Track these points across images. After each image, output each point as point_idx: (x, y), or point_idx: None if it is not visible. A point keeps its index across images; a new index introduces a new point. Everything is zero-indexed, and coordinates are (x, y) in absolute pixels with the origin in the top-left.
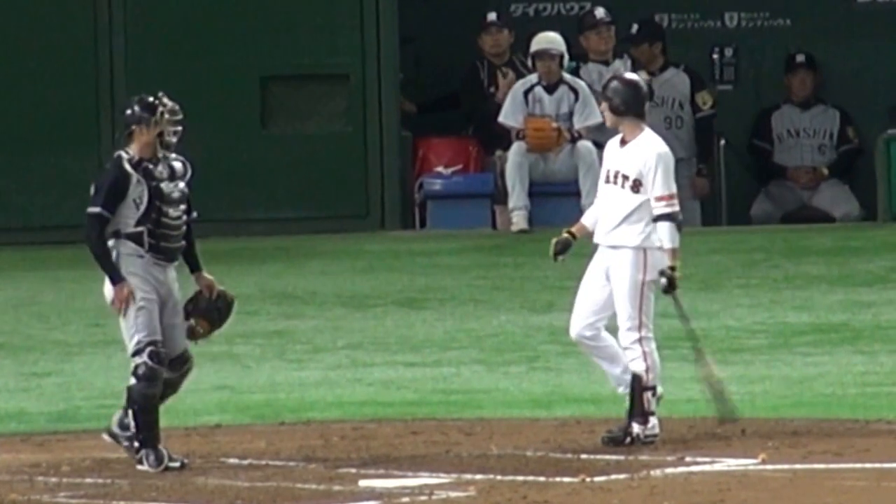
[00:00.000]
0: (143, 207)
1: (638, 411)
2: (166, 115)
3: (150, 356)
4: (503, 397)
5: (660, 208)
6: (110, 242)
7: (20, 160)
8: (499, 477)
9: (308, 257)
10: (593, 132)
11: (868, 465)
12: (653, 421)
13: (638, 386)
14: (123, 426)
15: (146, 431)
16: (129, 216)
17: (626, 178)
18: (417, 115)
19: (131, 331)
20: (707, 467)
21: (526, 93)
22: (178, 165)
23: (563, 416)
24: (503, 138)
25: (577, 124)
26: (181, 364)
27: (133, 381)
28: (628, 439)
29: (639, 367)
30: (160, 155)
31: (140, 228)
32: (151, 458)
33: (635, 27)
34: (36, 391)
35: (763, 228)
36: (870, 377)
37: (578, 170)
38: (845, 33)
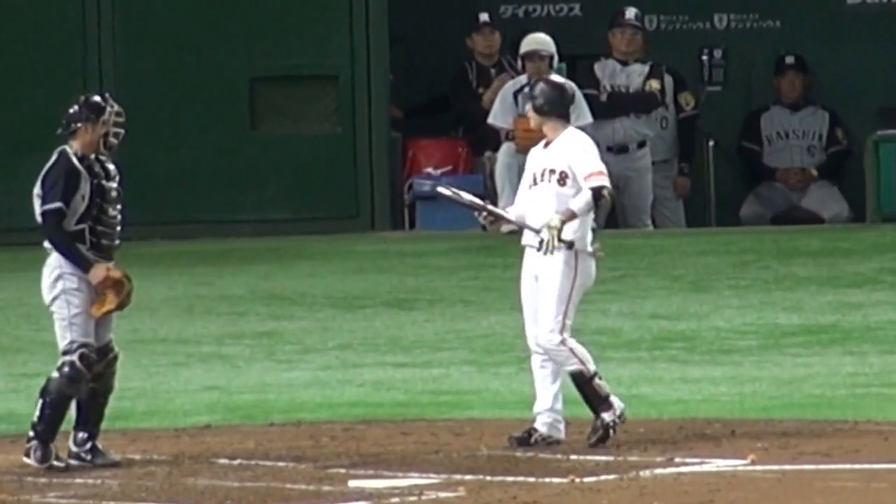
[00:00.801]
0: (85, 204)
1: (598, 400)
2: (113, 116)
3: (80, 357)
4: (493, 398)
5: (590, 182)
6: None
7: (7, 161)
8: (488, 477)
9: (298, 258)
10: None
11: (857, 466)
12: (616, 402)
13: (583, 380)
14: (78, 441)
15: (45, 426)
16: (72, 213)
17: (552, 171)
18: (404, 119)
19: (66, 330)
20: (696, 468)
21: (515, 94)
22: (111, 167)
23: None
24: (493, 139)
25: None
26: (104, 354)
27: (56, 374)
28: (610, 432)
29: (574, 364)
30: (96, 156)
31: (81, 226)
32: (39, 453)
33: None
34: (25, 392)
35: (752, 230)
36: (859, 378)
37: None
38: (835, 35)
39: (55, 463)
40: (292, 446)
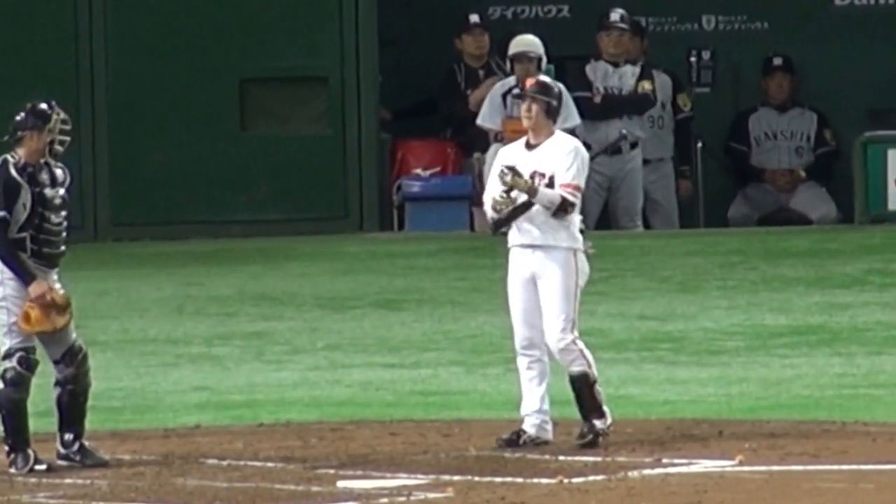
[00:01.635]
0: (26, 213)
1: (594, 406)
2: (59, 124)
3: (19, 361)
4: (481, 398)
5: (565, 191)
6: None
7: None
8: (477, 478)
9: (287, 259)
10: (570, 134)
11: (845, 467)
12: (608, 414)
13: (586, 382)
14: (65, 443)
15: (15, 436)
16: (14, 222)
17: (542, 175)
18: (393, 121)
19: (5, 336)
20: (684, 469)
21: (504, 95)
22: (59, 172)
23: None
24: (481, 140)
25: (556, 126)
26: (73, 357)
27: (1, 385)
28: (600, 438)
29: (581, 365)
30: (43, 161)
31: (23, 234)
32: (20, 460)
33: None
34: None
35: (740, 231)
36: (847, 379)
37: None
38: (823, 36)
39: (37, 467)
40: (281, 447)
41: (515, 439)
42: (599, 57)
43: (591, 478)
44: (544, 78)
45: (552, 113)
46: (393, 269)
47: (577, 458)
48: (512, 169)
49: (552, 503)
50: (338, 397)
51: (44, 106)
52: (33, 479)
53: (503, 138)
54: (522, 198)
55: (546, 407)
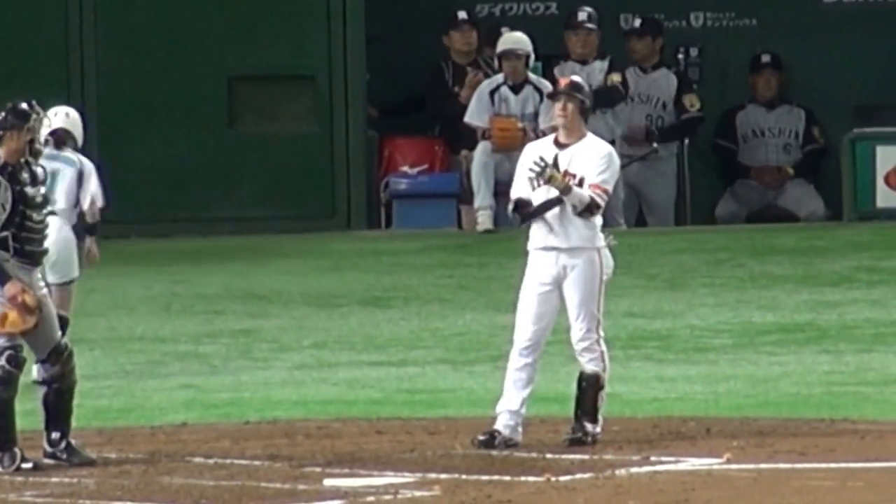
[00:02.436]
0: (7, 213)
1: (591, 409)
2: (38, 123)
3: (8, 360)
4: (468, 396)
5: (594, 192)
6: None
7: None
8: (464, 476)
9: (274, 256)
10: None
11: (833, 465)
12: (601, 421)
13: (595, 384)
14: (52, 441)
15: (1, 434)
16: None
17: (572, 175)
18: (380, 118)
19: None
20: (672, 466)
21: (492, 93)
22: (38, 171)
23: (528, 415)
24: (469, 138)
25: (543, 124)
26: (59, 355)
27: None
28: (589, 438)
29: (596, 366)
30: (23, 160)
31: (5, 233)
32: (6, 459)
33: (638, 21)
34: None
35: (728, 228)
36: (835, 376)
37: None
38: (811, 33)
39: (24, 465)
40: (268, 445)
41: (491, 440)
42: (568, 57)
43: (579, 476)
44: (576, 77)
45: (585, 112)
46: (380, 266)
47: (564, 456)
48: (551, 164)
49: (539, 501)
50: (324, 395)
51: (24, 106)
52: (20, 478)
53: (490, 136)
54: (554, 193)
55: (523, 411)
